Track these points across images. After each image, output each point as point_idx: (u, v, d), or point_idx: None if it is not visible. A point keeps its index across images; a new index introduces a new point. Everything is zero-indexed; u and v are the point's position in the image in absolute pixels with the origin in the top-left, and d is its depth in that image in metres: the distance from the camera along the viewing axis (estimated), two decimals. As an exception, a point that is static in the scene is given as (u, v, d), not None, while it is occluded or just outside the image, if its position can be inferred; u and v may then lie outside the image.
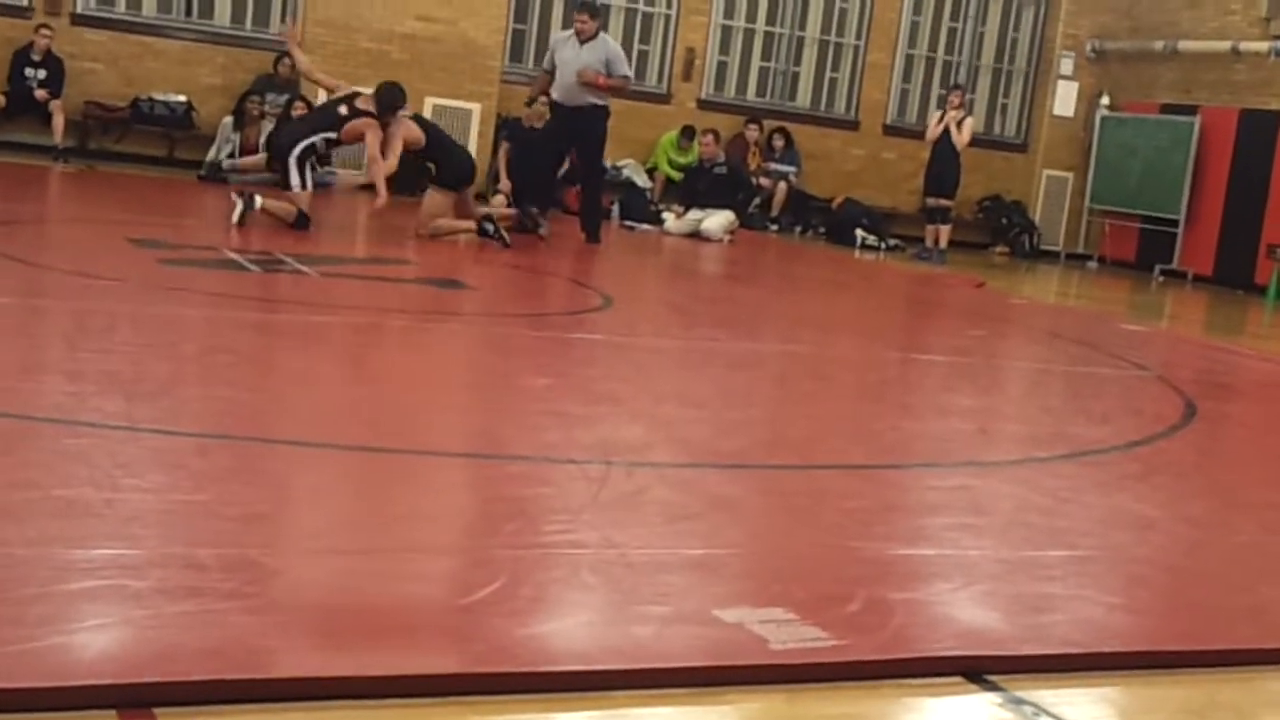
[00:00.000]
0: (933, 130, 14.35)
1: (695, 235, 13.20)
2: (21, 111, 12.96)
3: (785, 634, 2.70)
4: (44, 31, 12.93)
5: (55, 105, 12.90)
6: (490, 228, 9.88)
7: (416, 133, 10.03)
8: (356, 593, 2.72)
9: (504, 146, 13.54)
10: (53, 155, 12.70)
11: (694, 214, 13.45)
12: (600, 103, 11.06)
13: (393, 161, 9.82)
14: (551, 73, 11.23)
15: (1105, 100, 16.79)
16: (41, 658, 2.22)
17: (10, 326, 5.28)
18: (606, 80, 10.92)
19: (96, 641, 2.32)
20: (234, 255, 7.83)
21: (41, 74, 12.94)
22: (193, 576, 2.64)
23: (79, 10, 13.51)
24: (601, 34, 11.28)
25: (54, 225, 9.24)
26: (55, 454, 3.43)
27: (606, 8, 15.52)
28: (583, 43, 10.98)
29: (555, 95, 11.28)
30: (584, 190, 11.90)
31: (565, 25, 15.29)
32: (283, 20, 13.77)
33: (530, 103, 12.43)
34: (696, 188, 13.73)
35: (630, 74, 11.48)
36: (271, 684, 2.26)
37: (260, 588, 2.66)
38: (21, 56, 12.94)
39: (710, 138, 13.99)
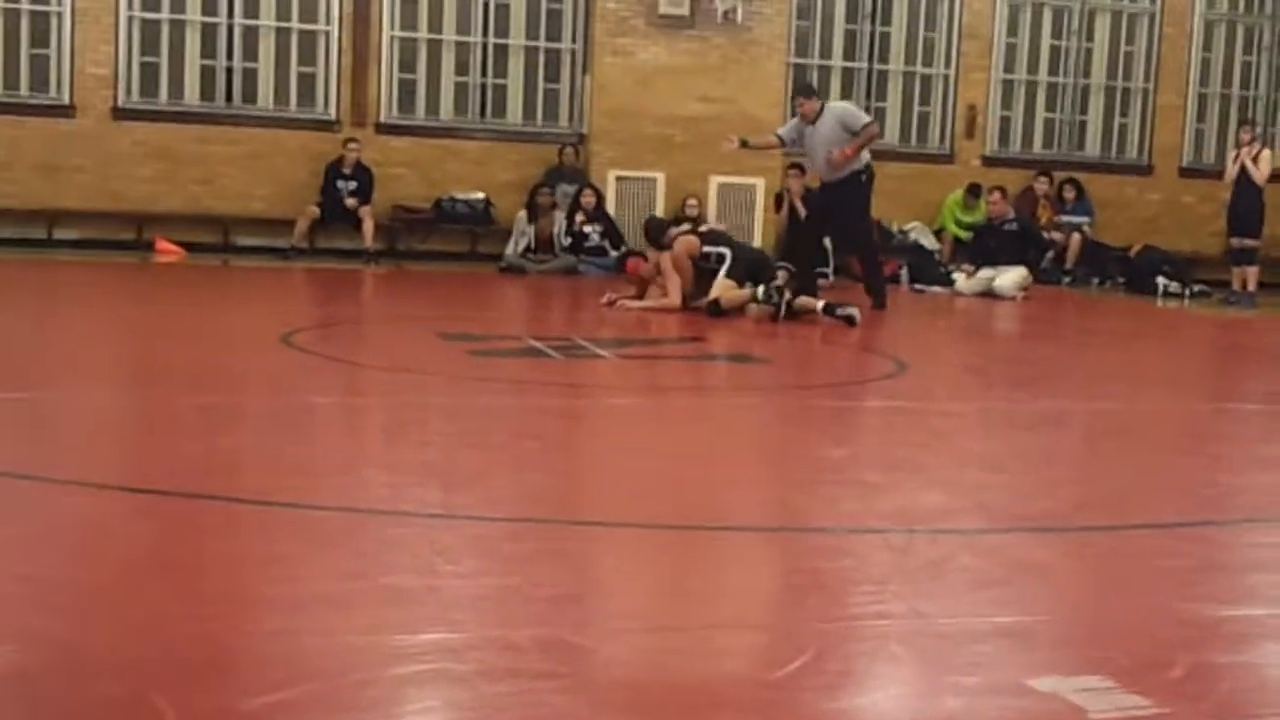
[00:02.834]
0: (1230, 169, 13.76)
1: (987, 294, 12.97)
2: (336, 220, 13.78)
3: (1104, 703, 2.62)
4: (352, 145, 13.75)
5: (365, 211, 13.68)
6: (836, 308, 9.73)
7: (693, 244, 10.23)
8: (665, 670, 2.77)
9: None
10: (364, 259, 13.45)
11: (985, 272, 13.23)
12: (858, 167, 10.98)
13: (675, 300, 10.04)
14: (784, 141, 11.41)
15: None
16: (376, 739, 2.34)
17: (334, 424, 5.60)
18: (854, 148, 10.81)
19: (425, 723, 2.44)
20: (536, 343, 8.11)
21: (352, 184, 13.76)
22: (510, 658, 2.74)
23: (383, 119, 14.31)
24: (825, 105, 11.17)
25: (369, 325, 9.76)
26: (380, 543, 3.61)
27: (885, 74, 15.54)
28: (813, 123, 10.93)
29: (819, 175, 11.34)
30: (861, 257, 11.84)
31: (845, 95, 15.38)
32: (570, 120, 14.32)
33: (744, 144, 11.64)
34: (987, 246, 13.52)
35: (869, 118, 11.31)
36: (589, 761, 2.32)
37: (573, 667, 2.74)
38: (333, 170, 13.79)
39: (997, 195, 13.77)
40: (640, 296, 10.35)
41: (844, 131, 10.88)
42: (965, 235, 14.71)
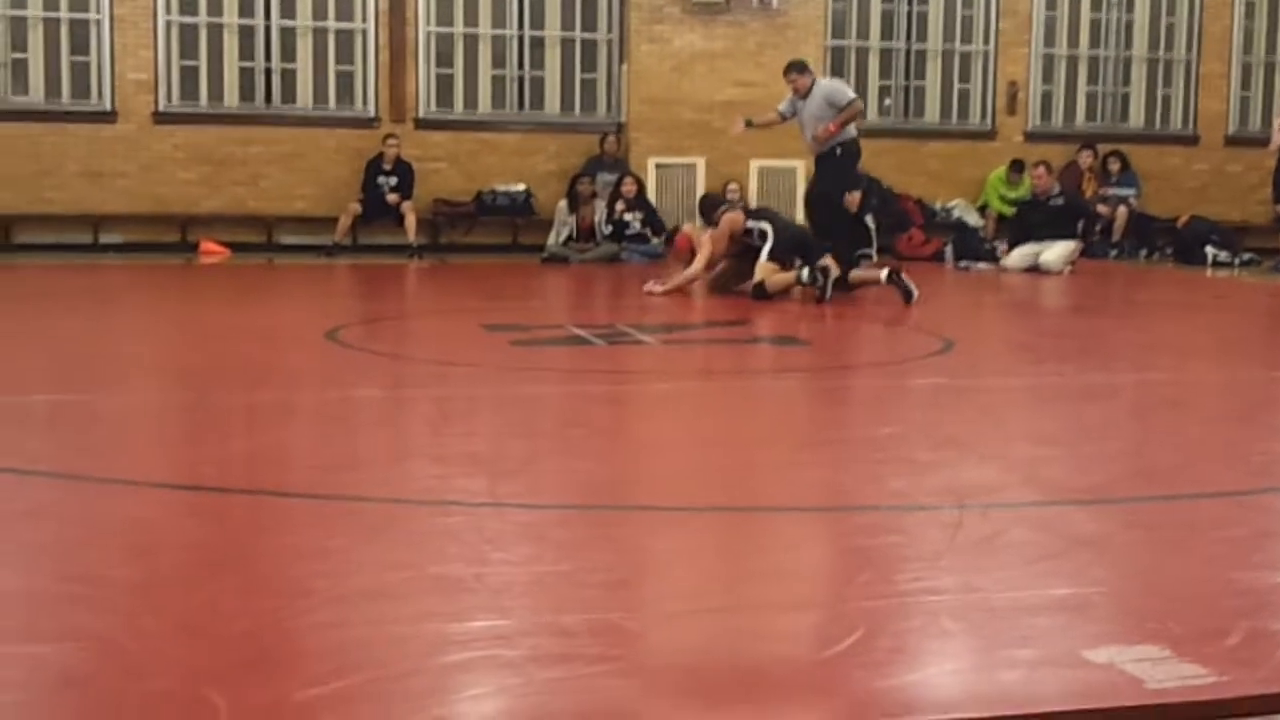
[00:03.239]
0: (1275, 137, 13.61)
1: (1034, 269, 12.88)
2: (377, 216, 13.85)
3: (1161, 672, 2.59)
4: (391, 141, 13.82)
5: (407, 206, 13.74)
6: (898, 274, 9.74)
7: (737, 221, 10.22)
8: (717, 652, 2.76)
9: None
10: (408, 253, 13.50)
11: (1031, 247, 13.14)
12: (843, 140, 11.16)
13: (698, 266, 10.14)
14: (784, 116, 11.58)
15: None
16: (428, 726, 2.34)
17: (380, 417, 5.62)
18: (836, 124, 11.02)
19: (476, 710, 2.44)
20: (580, 331, 8.12)
21: (393, 180, 13.82)
22: (561, 643, 2.74)
23: (421, 115, 14.36)
24: (816, 81, 11.38)
25: (413, 319, 9.79)
26: (428, 533, 3.62)
27: (923, 53, 15.44)
28: (804, 98, 11.20)
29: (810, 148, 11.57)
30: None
31: (883, 76, 15.35)
32: (608, 109, 14.34)
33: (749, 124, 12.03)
34: (1030, 221, 13.42)
35: (853, 95, 11.42)
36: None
37: (625, 651, 2.74)
38: (374, 166, 13.86)
39: (1042, 169, 13.63)
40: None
41: (829, 108, 11.09)
42: (1009, 211, 14.61)
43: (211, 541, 3.54)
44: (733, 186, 13.79)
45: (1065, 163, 15.30)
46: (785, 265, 9.90)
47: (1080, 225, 13.51)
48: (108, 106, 13.82)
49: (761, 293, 9.70)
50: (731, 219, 10.22)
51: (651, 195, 13.95)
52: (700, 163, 14.17)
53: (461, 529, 3.62)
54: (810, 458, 4.91)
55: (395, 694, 2.48)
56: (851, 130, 11.22)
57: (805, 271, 9.69)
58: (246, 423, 5.32)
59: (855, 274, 9.81)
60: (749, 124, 11.80)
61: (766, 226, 10.10)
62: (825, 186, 11.35)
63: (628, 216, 13.54)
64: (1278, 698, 2.52)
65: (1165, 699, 2.49)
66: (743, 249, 10.15)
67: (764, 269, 9.86)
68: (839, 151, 11.21)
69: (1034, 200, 13.68)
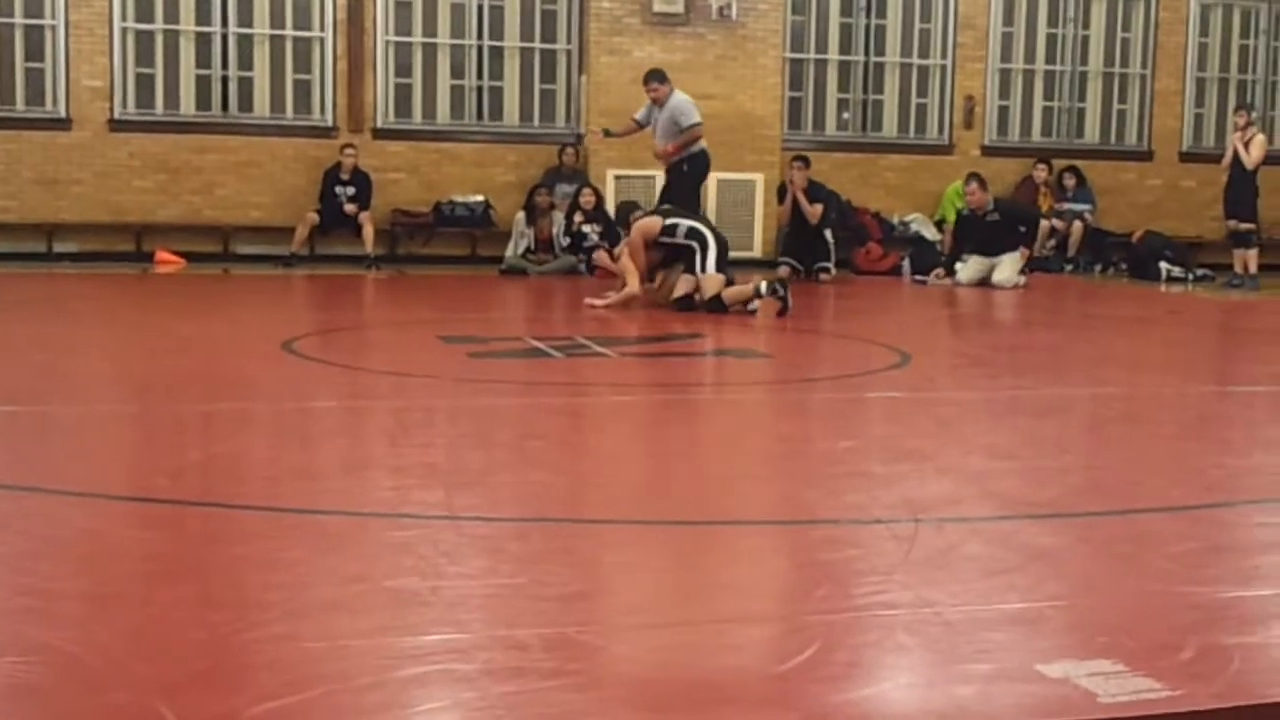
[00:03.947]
0: (1227, 154, 13.76)
1: (986, 284, 12.95)
2: (335, 226, 13.79)
3: (1115, 686, 2.60)
4: (348, 151, 13.77)
5: (364, 217, 13.69)
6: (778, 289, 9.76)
7: (650, 226, 10.20)
8: (673, 666, 2.76)
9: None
10: (365, 264, 13.45)
11: (979, 261, 13.21)
12: (691, 153, 11.48)
13: (634, 286, 10.10)
14: (641, 124, 11.97)
15: None
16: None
17: (335, 428, 5.59)
18: (675, 146, 11.40)
19: (431, 724, 2.43)
20: (538, 344, 8.10)
21: (350, 190, 13.76)
22: (516, 657, 2.73)
23: (379, 124, 14.31)
24: (672, 93, 11.63)
25: (371, 330, 9.75)
26: (383, 546, 3.60)
27: (881, 66, 15.51)
28: (661, 108, 11.53)
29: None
30: None
31: (842, 89, 15.42)
32: (567, 120, 14.35)
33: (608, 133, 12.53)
34: (970, 237, 13.46)
35: (694, 120, 11.56)
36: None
37: (581, 665, 2.73)
38: (331, 175, 13.80)
39: (974, 186, 13.52)
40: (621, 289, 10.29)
41: (674, 125, 11.42)
42: (966, 226, 14.69)
43: (165, 554, 3.51)
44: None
45: (1022, 177, 15.41)
46: (728, 276, 9.94)
47: (1025, 232, 13.46)
48: (62, 113, 13.71)
49: (719, 305, 9.70)
50: (644, 226, 10.17)
51: (610, 207, 13.93)
52: (659, 174, 14.15)
53: (417, 542, 3.60)
54: (768, 471, 4.93)
55: (349, 708, 2.46)
56: (701, 144, 11.51)
57: (764, 284, 9.71)
58: (201, 434, 5.28)
59: (728, 292, 9.80)
60: (607, 133, 12.29)
61: (701, 226, 10.10)
62: (671, 198, 11.45)
63: (586, 228, 13.52)
64: (1230, 712, 2.54)
65: (1119, 713, 2.50)
66: (671, 251, 10.12)
67: (713, 281, 9.84)
68: (686, 167, 11.49)
69: (971, 216, 13.68)
